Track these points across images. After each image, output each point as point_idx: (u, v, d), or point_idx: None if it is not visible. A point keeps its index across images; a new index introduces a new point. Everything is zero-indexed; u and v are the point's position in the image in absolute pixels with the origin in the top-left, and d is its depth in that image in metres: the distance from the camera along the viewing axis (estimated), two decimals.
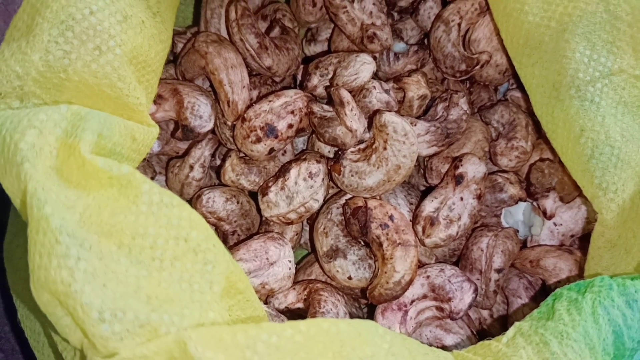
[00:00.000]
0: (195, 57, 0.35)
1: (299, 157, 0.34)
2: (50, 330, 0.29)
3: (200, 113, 0.34)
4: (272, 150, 0.33)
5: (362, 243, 0.33)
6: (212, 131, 0.36)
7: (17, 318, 0.34)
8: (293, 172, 0.32)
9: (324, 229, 0.33)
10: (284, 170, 0.33)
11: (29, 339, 0.32)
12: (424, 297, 0.33)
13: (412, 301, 0.32)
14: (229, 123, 0.35)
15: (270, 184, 0.33)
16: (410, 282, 0.31)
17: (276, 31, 0.37)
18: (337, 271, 0.33)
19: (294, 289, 0.34)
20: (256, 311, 0.28)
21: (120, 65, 0.28)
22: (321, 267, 0.34)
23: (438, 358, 0.27)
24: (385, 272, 0.31)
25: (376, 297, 0.32)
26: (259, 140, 0.33)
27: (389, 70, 0.35)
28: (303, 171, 0.32)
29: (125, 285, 0.24)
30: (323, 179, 0.33)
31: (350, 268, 0.32)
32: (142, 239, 0.25)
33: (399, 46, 0.35)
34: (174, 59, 0.37)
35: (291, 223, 0.33)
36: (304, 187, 0.32)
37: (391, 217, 0.32)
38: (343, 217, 0.33)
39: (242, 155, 0.35)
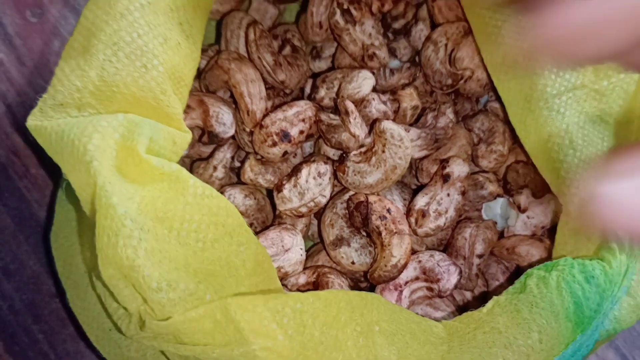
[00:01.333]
0: (219, 72, 0.39)
1: (308, 159, 0.39)
2: (102, 303, 0.34)
3: (224, 121, 0.39)
4: (285, 153, 0.38)
5: (363, 233, 0.38)
6: (232, 137, 0.41)
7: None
8: (304, 171, 0.37)
9: (330, 221, 0.38)
10: (295, 170, 0.38)
11: (79, 316, 0.36)
12: (416, 278, 0.37)
13: (406, 282, 0.37)
14: (248, 129, 0.40)
15: (284, 182, 0.38)
16: (405, 266, 0.36)
17: (287, 50, 0.42)
18: (342, 257, 0.38)
19: (304, 273, 0.38)
20: (277, 288, 0.33)
21: (162, 80, 0.32)
22: (328, 254, 0.39)
23: (429, 324, 0.33)
24: (384, 257, 0.36)
25: (376, 278, 0.37)
26: (274, 144, 0.38)
27: (385, 84, 0.40)
28: (313, 171, 0.37)
29: (176, 262, 0.28)
30: (330, 178, 0.38)
31: (353, 254, 0.37)
32: (188, 224, 0.30)
33: (394, 63, 0.40)
34: (198, 73, 0.42)
35: (302, 216, 0.38)
36: (313, 184, 0.37)
37: (389, 210, 0.37)
38: (347, 211, 0.38)
39: (259, 157, 0.40)
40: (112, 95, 0.32)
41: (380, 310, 0.31)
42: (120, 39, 0.31)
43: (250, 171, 0.39)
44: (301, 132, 0.38)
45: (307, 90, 0.42)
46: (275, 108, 0.39)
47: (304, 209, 0.38)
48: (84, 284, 0.36)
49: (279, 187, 0.38)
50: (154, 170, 0.30)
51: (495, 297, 0.33)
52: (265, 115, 0.39)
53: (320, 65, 0.43)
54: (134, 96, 0.32)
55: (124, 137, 0.30)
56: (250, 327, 0.28)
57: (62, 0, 0.44)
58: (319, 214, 0.40)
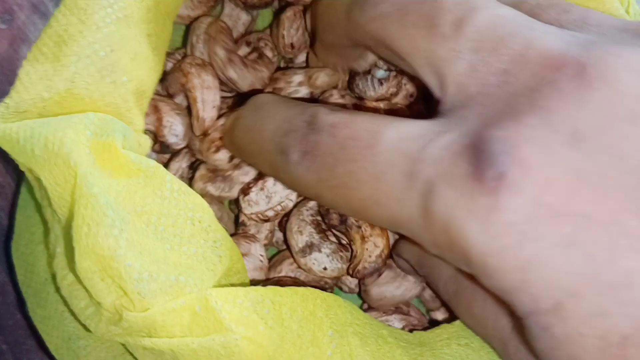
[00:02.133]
0: (179, 75, 0.39)
1: None
2: (67, 306, 0.33)
3: (177, 132, 0.39)
4: (233, 157, 0.39)
5: (334, 239, 0.38)
6: (187, 146, 0.41)
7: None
8: None
9: (298, 228, 0.39)
10: (262, 174, 0.38)
11: (38, 325, 0.36)
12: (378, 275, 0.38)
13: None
14: (197, 136, 0.40)
15: (251, 186, 0.38)
16: (388, 255, 0.37)
17: (253, 55, 0.42)
18: (314, 263, 0.38)
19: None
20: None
21: (128, 98, 0.32)
22: (297, 262, 0.39)
23: (400, 332, 0.33)
24: (367, 249, 0.36)
25: (361, 271, 0.37)
26: (218, 149, 0.38)
27: (374, 95, 0.41)
28: None
29: (155, 255, 0.28)
30: None
31: (325, 260, 0.38)
32: (166, 218, 0.30)
33: (380, 73, 0.41)
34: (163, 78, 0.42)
35: (268, 220, 0.38)
36: (281, 188, 0.37)
37: None
38: (319, 211, 0.38)
39: (209, 167, 0.40)
40: (78, 108, 0.32)
41: (353, 314, 0.32)
42: (94, 53, 0.31)
43: (200, 180, 0.40)
44: None
45: None
46: (220, 116, 0.40)
47: (270, 213, 0.38)
48: (44, 292, 0.36)
49: (246, 191, 0.38)
50: (131, 165, 0.30)
51: None
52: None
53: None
54: (99, 111, 0.32)
55: (96, 134, 0.30)
56: (232, 317, 0.28)
57: (31, 6, 0.44)
58: (283, 223, 0.40)
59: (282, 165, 0.31)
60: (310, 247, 0.38)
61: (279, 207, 0.38)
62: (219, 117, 0.40)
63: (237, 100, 0.42)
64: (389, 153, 0.25)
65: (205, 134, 0.39)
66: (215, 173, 0.40)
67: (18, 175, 0.43)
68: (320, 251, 0.38)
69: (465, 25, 0.26)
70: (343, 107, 0.40)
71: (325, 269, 0.38)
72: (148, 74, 0.34)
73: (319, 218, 0.38)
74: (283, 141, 0.31)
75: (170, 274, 0.28)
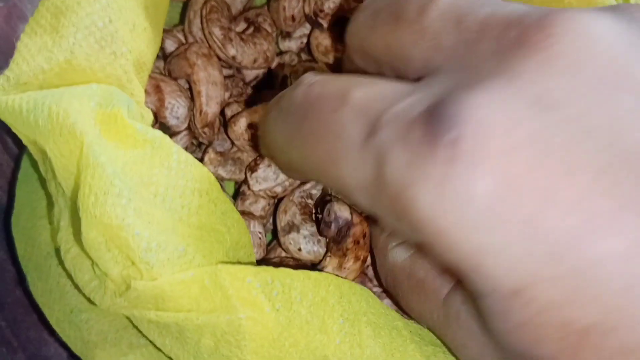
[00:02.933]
0: (184, 64, 0.39)
1: None
2: (71, 279, 0.32)
3: (178, 114, 0.38)
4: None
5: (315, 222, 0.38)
6: (188, 127, 0.40)
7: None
8: None
9: (284, 207, 0.38)
10: None
11: (39, 299, 0.35)
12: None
13: (367, 266, 0.38)
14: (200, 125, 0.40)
15: (258, 162, 0.38)
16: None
17: (250, 30, 0.42)
18: (290, 243, 0.37)
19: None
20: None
21: (129, 69, 0.32)
22: (278, 242, 0.39)
23: (416, 326, 0.32)
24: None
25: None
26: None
27: None
28: None
29: (164, 225, 0.28)
30: None
31: (301, 241, 0.37)
32: (173, 189, 0.29)
33: None
34: (164, 56, 0.42)
35: (276, 197, 0.38)
36: None
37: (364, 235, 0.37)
38: (310, 195, 0.38)
39: (218, 150, 0.40)
40: (78, 79, 0.31)
41: (369, 302, 0.31)
42: (93, 24, 0.31)
43: (210, 164, 0.39)
44: None
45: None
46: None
47: (278, 189, 0.38)
48: (46, 266, 0.35)
49: (253, 168, 0.38)
50: (137, 136, 0.29)
51: None
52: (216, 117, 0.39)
53: (290, 45, 0.44)
54: (99, 82, 0.31)
55: (100, 105, 0.29)
56: (239, 296, 0.28)
57: None
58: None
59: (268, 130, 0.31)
60: (290, 227, 0.38)
61: (286, 183, 0.38)
62: (222, 109, 0.40)
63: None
64: (353, 112, 0.24)
65: (207, 126, 0.39)
66: (225, 156, 0.40)
67: (16, 154, 0.42)
68: (298, 232, 0.37)
69: (428, 8, 0.25)
70: None
71: (299, 250, 0.37)
72: (147, 45, 0.34)
73: (309, 201, 0.38)
74: (273, 101, 0.31)
75: (179, 244, 0.28)
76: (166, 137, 0.30)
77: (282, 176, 0.37)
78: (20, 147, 0.41)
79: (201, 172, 0.30)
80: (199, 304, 0.28)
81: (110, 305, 0.29)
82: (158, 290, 0.27)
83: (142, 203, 0.28)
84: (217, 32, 0.39)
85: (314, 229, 0.38)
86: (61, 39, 0.31)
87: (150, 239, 0.27)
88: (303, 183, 0.39)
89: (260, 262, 0.38)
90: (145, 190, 0.29)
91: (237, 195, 0.41)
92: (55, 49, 0.31)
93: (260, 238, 0.38)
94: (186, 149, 0.40)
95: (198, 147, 0.42)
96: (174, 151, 0.30)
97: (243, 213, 0.38)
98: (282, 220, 0.38)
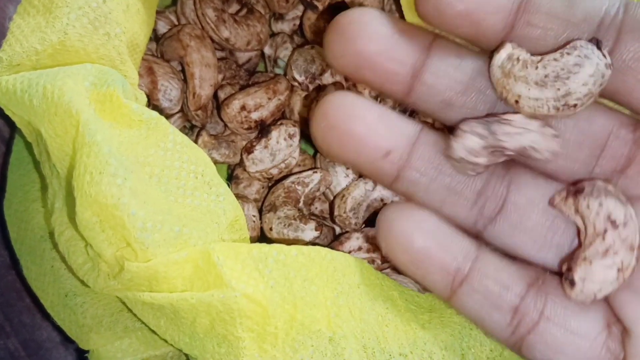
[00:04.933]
0: (177, 46, 0.39)
1: (275, 123, 0.39)
2: (65, 262, 0.32)
3: (171, 97, 0.38)
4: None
5: (297, 209, 0.38)
6: (181, 109, 0.40)
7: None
8: (274, 133, 0.37)
9: (274, 189, 0.38)
10: (265, 133, 0.38)
11: (33, 283, 0.35)
12: (359, 249, 0.38)
13: (350, 252, 0.37)
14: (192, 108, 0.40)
15: (254, 144, 0.37)
16: None
17: (243, 12, 0.42)
18: (265, 222, 0.37)
19: None
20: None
21: (122, 50, 0.32)
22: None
23: (412, 293, 0.33)
24: None
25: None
26: (249, 129, 0.39)
27: None
28: (283, 132, 0.37)
29: (160, 205, 0.28)
30: (299, 140, 0.38)
31: (275, 221, 0.37)
32: (169, 170, 0.29)
33: None
34: (157, 38, 0.41)
35: (272, 178, 0.38)
36: (285, 145, 0.37)
37: None
38: (301, 182, 0.38)
39: (211, 133, 0.40)
40: (72, 60, 0.31)
41: (364, 274, 0.31)
42: (86, 4, 0.31)
43: (204, 147, 0.39)
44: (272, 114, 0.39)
45: (268, 52, 0.42)
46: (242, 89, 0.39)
47: (274, 171, 0.38)
48: (39, 250, 0.35)
49: (250, 149, 0.37)
50: (133, 115, 0.29)
51: None
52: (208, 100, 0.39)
53: (283, 27, 0.43)
54: (93, 63, 0.31)
55: (95, 85, 0.29)
56: (232, 274, 0.28)
57: None
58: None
59: None
60: (271, 207, 0.37)
61: (282, 165, 0.37)
62: (216, 92, 0.39)
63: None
64: None
65: (201, 108, 0.39)
66: (219, 139, 0.39)
67: (7, 137, 0.42)
68: (275, 212, 0.37)
69: None
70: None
71: (271, 229, 0.37)
72: (140, 26, 0.34)
73: (298, 188, 0.38)
74: None
75: (175, 225, 0.28)
76: (162, 118, 0.30)
77: (279, 158, 0.37)
78: (12, 130, 0.41)
79: (197, 153, 0.30)
80: (193, 284, 0.28)
81: (103, 288, 0.29)
82: (152, 272, 0.27)
83: (138, 183, 0.28)
84: (210, 13, 0.39)
85: (292, 212, 0.37)
86: (54, 19, 0.30)
87: (146, 219, 0.27)
88: (302, 170, 0.39)
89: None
90: (140, 171, 0.28)
91: (231, 179, 0.40)
92: (49, 30, 0.30)
93: (254, 221, 0.38)
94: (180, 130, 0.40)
95: (191, 130, 0.41)
96: (170, 132, 0.30)
97: (237, 196, 0.38)
98: (268, 199, 0.38)
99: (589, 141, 0.27)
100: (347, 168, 0.40)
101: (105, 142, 0.27)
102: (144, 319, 0.30)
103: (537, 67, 0.26)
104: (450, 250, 0.28)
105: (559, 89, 0.26)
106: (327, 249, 0.30)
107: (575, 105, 0.26)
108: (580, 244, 0.27)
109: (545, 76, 0.26)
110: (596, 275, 0.26)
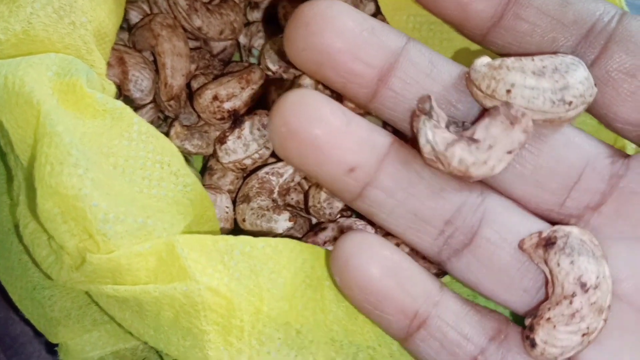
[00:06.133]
0: (148, 35, 0.38)
1: (249, 113, 0.38)
2: (30, 255, 0.32)
3: (142, 87, 0.38)
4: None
5: (271, 199, 0.38)
6: (154, 100, 0.40)
7: None
8: (247, 123, 0.37)
9: (248, 180, 0.38)
10: (238, 123, 0.37)
11: (1, 275, 0.35)
12: (334, 239, 0.37)
13: (324, 242, 0.37)
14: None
15: (227, 134, 0.37)
16: None
17: (217, 1, 0.41)
18: (238, 213, 0.37)
19: None
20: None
21: (89, 39, 0.31)
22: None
23: None
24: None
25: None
26: (222, 119, 0.38)
27: None
28: (256, 122, 0.37)
29: (123, 196, 0.27)
30: None
31: (248, 212, 0.37)
32: (134, 161, 0.29)
33: None
34: (127, 26, 0.41)
35: (246, 169, 0.38)
36: (258, 135, 0.37)
37: None
38: (276, 173, 0.38)
39: (185, 123, 0.39)
40: (36, 50, 0.30)
41: None
42: None
43: (177, 138, 0.39)
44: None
45: (243, 41, 0.41)
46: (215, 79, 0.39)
47: (248, 161, 0.37)
48: (7, 243, 0.34)
49: (222, 140, 0.37)
50: (96, 105, 0.29)
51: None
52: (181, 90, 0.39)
53: (258, 16, 0.43)
54: (58, 52, 0.30)
55: (58, 74, 0.29)
56: (196, 266, 0.27)
57: None
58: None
59: None
60: (244, 198, 0.37)
61: (256, 155, 0.37)
62: (189, 82, 0.39)
63: None
64: None
65: (173, 98, 0.38)
66: (192, 130, 0.39)
67: None
68: (248, 203, 0.37)
69: None
70: None
71: (244, 220, 0.37)
72: (108, 15, 0.33)
73: (272, 178, 0.37)
74: None
75: (138, 216, 0.27)
76: (127, 107, 0.29)
77: (252, 148, 0.37)
78: None
79: (163, 143, 0.30)
80: (157, 277, 0.27)
81: (67, 280, 0.29)
82: (114, 264, 0.27)
83: (101, 174, 0.27)
84: (182, 2, 0.38)
85: (265, 203, 0.37)
86: (18, 8, 0.30)
87: (108, 210, 0.26)
88: (276, 160, 0.39)
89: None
90: (104, 161, 0.28)
91: (205, 170, 0.40)
92: (12, 19, 0.30)
93: (227, 212, 0.37)
94: (152, 122, 0.40)
95: (164, 121, 0.41)
96: (135, 122, 0.29)
97: (211, 187, 0.38)
98: (242, 190, 0.37)
99: (563, 169, 0.26)
100: None
101: (66, 133, 0.27)
102: (110, 312, 0.30)
103: (533, 60, 0.25)
104: (411, 291, 0.26)
105: (557, 81, 0.25)
106: (295, 241, 0.30)
107: (570, 103, 0.25)
108: (547, 296, 0.26)
109: (544, 67, 0.25)
110: (558, 341, 0.24)
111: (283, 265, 0.29)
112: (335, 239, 0.37)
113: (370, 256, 0.25)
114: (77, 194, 0.26)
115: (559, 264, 0.25)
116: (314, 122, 0.25)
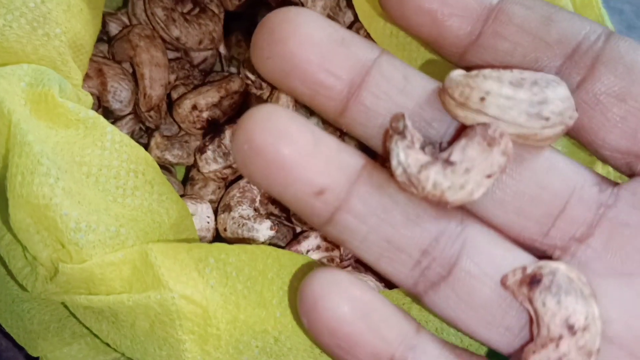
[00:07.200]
0: (127, 46, 0.38)
1: (229, 122, 0.38)
2: (6, 267, 0.31)
3: (122, 98, 0.38)
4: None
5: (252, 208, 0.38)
6: (134, 111, 0.40)
7: None
8: (228, 132, 0.37)
9: (230, 189, 0.38)
10: (218, 132, 0.37)
11: None
12: (317, 247, 0.37)
13: (307, 251, 0.37)
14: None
15: (207, 144, 0.37)
16: None
17: (196, 11, 0.41)
18: (220, 223, 0.37)
19: None
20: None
21: (63, 50, 0.31)
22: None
23: None
24: None
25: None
26: (202, 128, 0.38)
27: None
28: None
29: (96, 205, 0.27)
30: None
31: (229, 221, 0.36)
32: (107, 170, 0.28)
33: None
34: (107, 38, 0.41)
35: (226, 179, 0.38)
36: None
37: None
38: (248, 185, 0.38)
39: (165, 134, 0.39)
40: (10, 61, 0.30)
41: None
42: (24, 4, 0.30)
43: (157, 148, 0.38)
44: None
45: (223, 51, 0.41)
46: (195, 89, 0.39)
47: (228, 171, 0.37)
48: None
49: (202, 149, 0.37)
50: (69, 115, 0.29)
51: None
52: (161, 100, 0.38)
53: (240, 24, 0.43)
54: (31, 64, 0.30)
55: (31, 85, 0.28)
56: (170, 274, 0.27)
57: None
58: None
59: None
60: (226, 207, 0.37)
61: (235, 166, 0.37)
62: (169, 93, 0.39)
63: None
64: None
65: (153, 109, 0.38)
66: (172, 140, 0.39)
67: None
68: (229, 212, 0.37)
69: None
70: None
71: (225, 230, 0.37)
72: (84, 27, 0.33)
73: (254, 187, 0.37)
74: None
75: (111, 225, 0.27)
76: (100, 116, 0.29)
77: (232, 158, 0.37)
78: None
79: (137, 152, 0.29)
80: (131, 286, 0.27)
81: (42, 292, 0.28)
82: (87, 273, 0.26)
83: (73, 183, 0.27)
84: (159, 12, 0.38)
85: (246, 212, 0.37)
86: None
87: (80, 219, 0.26)
88: None
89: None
90: (77, 170, 0.28)
91: (187, 180, 0.40)
92: None
93: (208, 222, 0.37)
94: (132, 133, 0.40)
95: (145, 132, 0.41)
96: (108, 131, 0.29)
97: (192, 197, 0.37)
98: (223, 200, 0.37)
99: (546, 197, 0.24)
100: None
101: (37, 142, 0.26)
102: (86, 323, 0.30)
103: (512, 71, 0.24)
104: (385, 335, 0.24)
105: (535, 94, 0.23)
106: (272, 247, 0.29)
107: (547, 119, 0.23)
108: (531, 336, 0.24)
109: (522, 79, 0.23)
110: None
111: (259, 271, 0.29)
112: (318, 248, 0.37)
113: (339, 297, 0.24)
114: (48, 204, 0.26)
115: (544, 304, 0.23)
116: (279, 140, 0.23)
